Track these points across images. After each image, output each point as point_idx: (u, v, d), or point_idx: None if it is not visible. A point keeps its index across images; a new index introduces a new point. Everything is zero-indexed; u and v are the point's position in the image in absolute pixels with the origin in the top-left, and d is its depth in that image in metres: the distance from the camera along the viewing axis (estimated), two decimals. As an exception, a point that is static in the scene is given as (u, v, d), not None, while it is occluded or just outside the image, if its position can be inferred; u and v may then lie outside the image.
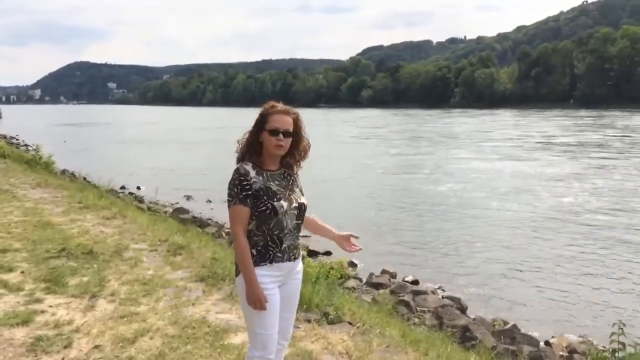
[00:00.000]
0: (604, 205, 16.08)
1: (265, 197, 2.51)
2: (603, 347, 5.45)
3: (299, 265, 2.76)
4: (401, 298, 8.22)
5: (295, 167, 2.73)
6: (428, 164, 26.82)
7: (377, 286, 9.13)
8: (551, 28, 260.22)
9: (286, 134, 2.58)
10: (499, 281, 9.95)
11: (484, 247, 12.08)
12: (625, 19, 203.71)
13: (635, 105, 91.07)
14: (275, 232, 2.55)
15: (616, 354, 4.74)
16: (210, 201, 17.73)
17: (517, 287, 9.65)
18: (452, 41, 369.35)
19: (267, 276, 2.56)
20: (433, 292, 9.07)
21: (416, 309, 7.88)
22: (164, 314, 4.54)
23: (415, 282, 9.66)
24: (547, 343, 7.20)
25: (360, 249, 2.84)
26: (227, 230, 12.79)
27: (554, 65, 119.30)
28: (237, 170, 2.54)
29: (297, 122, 2.64)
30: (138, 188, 20.12)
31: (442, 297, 8.83)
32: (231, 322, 4.44)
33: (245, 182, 2.51)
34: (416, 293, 8.68)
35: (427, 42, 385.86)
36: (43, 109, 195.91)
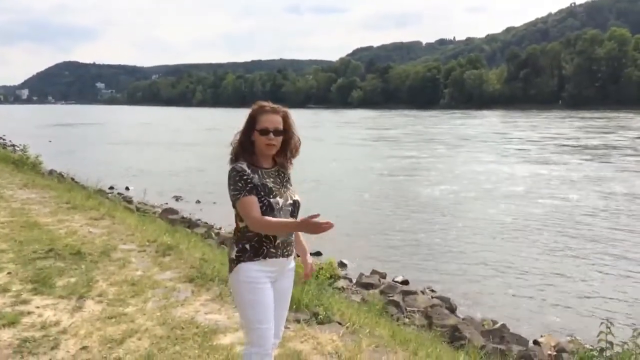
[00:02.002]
0: (597, 207, 16.16)
1: (262, 194, 2.54)
2: (591, 346, 5.48)
3: (292, 264, 2.80)
4: (391, 298, 8.22)
5: (288, 165, 2.76)
6: (425, 165, 26.73)
7: (367, 286, 9.13)
8: (540, 29, 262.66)
9: (276, 132, 2.61)
10: (488, 281, 9.99)
11: (474, 247, 12.12)
12: (612, 21, 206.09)
13: (623, 107, 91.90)
14: None
15: (604, 353, 4.76)
16: (199, 202, 17.65)
17: (506, 287, 9.69)
18: (442, 42, 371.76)
19: (260, 271, 2.59)
20: (422, 292, 9.08)
21: (406, 309, 7.89)
22: (153, 315, 4.52)
23: (405, 283, 9.66)
24: (535, 342, 7.24)
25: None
26: (216, 231, 12.76)
27: (543, 66, 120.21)
28: (233, 169, 2.56)
29: (286, 119, 2.67)
30: (127, 188, 20.01)
31: (432, 297, 8.84)
32: (220, 322, 4.42)
33: (246, 177, 2.53)
34: (406, 293, 8.69)
35: (417, 43, 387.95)
36: (31, 109, 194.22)
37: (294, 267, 2.85)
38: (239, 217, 2.62)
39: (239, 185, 2.52)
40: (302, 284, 4.94)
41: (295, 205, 2.66)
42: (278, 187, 2.63)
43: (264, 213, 2.53)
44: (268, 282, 2.63)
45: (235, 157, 2.63)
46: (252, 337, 2.63)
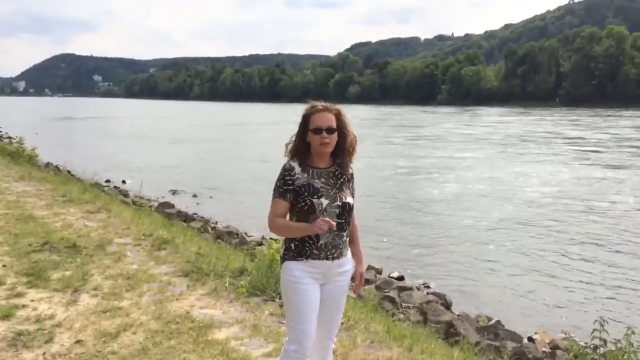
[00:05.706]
0: (600, 208, 16.10)
1: (305, 194, 2.56)
2: (585, 343, 5.50)
3: (344, 267, 2.74)
4: (386, 294, 8.23)
5: (348, 165, 2.74)
6: (432, 164, 26.35)
7: (363, 282, 9.12)
8: (538, 26, 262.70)
9: (329, 130, 2.60)
10: (483, 278, 10.01)
11: (470, 245, 12.12)
12: (610, 19, 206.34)
13: (619, 105, 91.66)
14: None
15: (597, 350, 4.79)
16: (196, 196, 17.64)
17: (501, 284, 9.71)
18: (440, 38, 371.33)
19: (302, 271, 2.61)
20: (418, 288, 9.11)
21: (401, 305, 7.90)
22: (148, 309, 4.51)
23: (400, 278, 9.68)
24: (530, 339, 7.26)
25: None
26: (212, 225, 12.76)
27: (540, 63, 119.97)
28: (283, 166, 2.62)
29: (339, 117, 2.66)
30: (123, 182, 19.96)
31: (427, 293, 8.86)
32: (215, 317, 4.41)
33: (288, 177, 2.58)
34: (401, 289, 8.71)
35: (415, 39, 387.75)
36: (28, 102, 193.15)
37: (348, 271, 2.78)
38: (289, 215, 2.66)
39: (277, 184, 2.60)
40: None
41: (344, 208, 2.63)
42: (328, 188, 2.62)
43: (305, 213, 2.56)
44: (313, 282, 2.63)
45: (291, 157, 2.65)
46: (291, 334, 2.65)
